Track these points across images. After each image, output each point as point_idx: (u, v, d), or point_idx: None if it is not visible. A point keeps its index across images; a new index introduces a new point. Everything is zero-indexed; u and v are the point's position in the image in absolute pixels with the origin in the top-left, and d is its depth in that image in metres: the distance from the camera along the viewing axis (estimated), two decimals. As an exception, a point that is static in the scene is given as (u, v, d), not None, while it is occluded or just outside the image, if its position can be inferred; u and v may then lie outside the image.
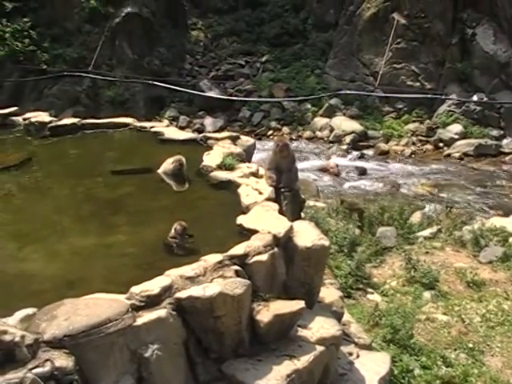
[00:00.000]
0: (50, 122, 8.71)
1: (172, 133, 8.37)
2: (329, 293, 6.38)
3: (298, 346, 4.97)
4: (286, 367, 4.69)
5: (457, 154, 19.24)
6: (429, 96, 20.74)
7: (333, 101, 21.78)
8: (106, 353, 4.03)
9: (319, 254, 5.49)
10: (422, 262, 9.82)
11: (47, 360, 3.79)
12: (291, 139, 20.05)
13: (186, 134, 8.64)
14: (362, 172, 18.06)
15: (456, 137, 19.77)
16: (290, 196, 6.64)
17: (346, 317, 6.86)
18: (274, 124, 21.62)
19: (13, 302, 4.41)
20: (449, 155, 19.41)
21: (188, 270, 4.64)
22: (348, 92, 20.59)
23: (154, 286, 4.42)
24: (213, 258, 4.79)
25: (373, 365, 6.05)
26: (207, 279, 4.60)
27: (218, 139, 7.85)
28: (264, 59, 25.02)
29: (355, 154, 19.58)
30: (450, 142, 19.79)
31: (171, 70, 23.76)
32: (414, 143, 20.33)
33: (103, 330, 3.97)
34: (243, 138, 8.17)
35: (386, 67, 21.91)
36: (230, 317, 4.61)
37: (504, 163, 18.77)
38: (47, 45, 21.45)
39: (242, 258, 4.89)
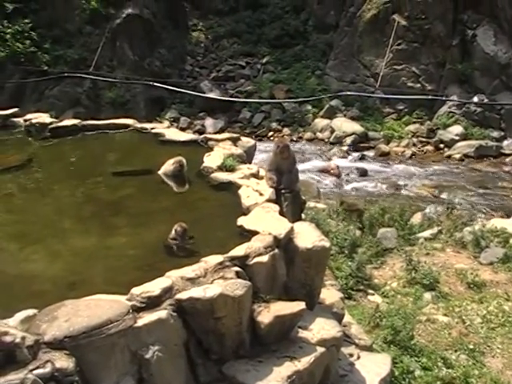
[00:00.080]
0: (51, 123, 8.71)
1: (173, 134, 8.36)
2: (329, 294, 6.37)
3: (298, 347, 4.97)
4: (287, 368, 4.69)
5: (457, 156, 19.24)
6: (429, 97, 20.74)
7: (333, 102, 21.80)
8: (107, 354, 4.03)
9: (320, 256, 5.49)
10: (423, 263, 9.82)
11: (48, 361, 3.79)
12: (292, 140, 20.06)
13: (187, 136, 8.63)
14: (363, 173, 18.06)
15: (456, 138, 19.77)
16: (290, 197, 6.63)
17: (347, 318, 6.86)
18: (274, 125, 21.64)
19: (13, 303, 4.41)
20: (449, 156, 19.41)
21: (189, 271, 4.64)
22: (349, 93, 20.57)
23: (154, 287, 4.42)
24: (213, 260, 4.79)
25: (373, 366, 6.05)
26: (208, 280, 4.60)
27: (218, 140, 7.84)
28: (264, 60, 25.05)
29: (356, 155, 19.59)
30: (450, 144, 19.79)
31: (172, 72, 23.78)
32: (414, 144, 20.33)
33: (104, 331, 3.97)
34: (244, 139, 8.16)
35: (387, 68, 21.92)
36: (231, 318, 4.61)
37: (504, 164, 18.77)
38: (48, 46, 21.46)
39: (242, 259, 4.89)
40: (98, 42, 21.75)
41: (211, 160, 7.00)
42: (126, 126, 8.71)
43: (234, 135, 8.27)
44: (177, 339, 4.46)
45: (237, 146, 7.65)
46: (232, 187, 6.43)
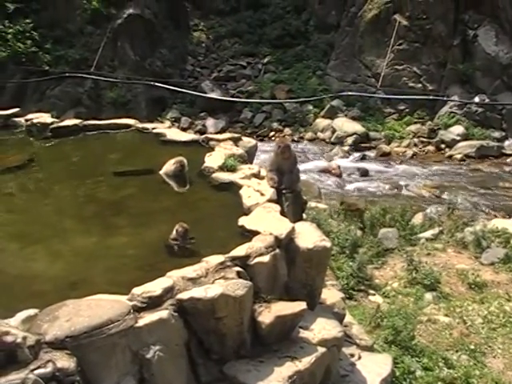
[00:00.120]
0: (52, 123, 8.71)
1: (174, 134, 8.37)
2: (330, 294, 6.37)
3: (299, 347, 4.96)
4: (288, 368, 4.69)
5: (458, 156, 19.22)
6: (430, 97, 20.73)
7: (334, 102, 21.79)
8: (108, 354, 4.03)
9: (321, 256, 5.49)
10: (424, 263, 9.82)
11: (49, 361, 3.79)
12: (293, 140, 20.04)
13: (188, 136, 8.62)
14: (364, 173, 18.06)
15: (458, 138, 19.76)
16: (291, 197, 6.64)
17: (348, 318, 6.86)
18: (275, 125, 21.64)
19: (14, 303, 4.41)
20: (450, 157, 19.40)
21: (190, 271, 4.64)
22: (350, 93, 20.59)
23: (155, 287, 4.42)
24: (214, 260, 4.79)
25: (374, 366, 6.05)
26: (209, 280, 4.60)
27: (219, 140, 7.84)
28: (266, 60, 25.06)
29: (357, 155, 19.59)
30: (451, 144, 19.78)
31: (173, 72, 23.78)
32: (415, 144, 20.33)
33: (105, 331, 3.97)
34: (245, 139, 8.16)
35: (388, 68, 21.91)
36: (232, 318, 4.61)
37: (506, 165, 18.76)
38: (49, 46, 21.49)
39: (243, 259, 4.89)
40: (99, 42, 21.76)
41: (212, 160, 7.01)
42: (128, 126, 8.71)
43: (235, 135, 8.27)
44: (178, 339, 4.46)
45: (238, 146, 7.65)
46: (233, 187, 6.43)
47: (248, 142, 8.10)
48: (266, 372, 4.62)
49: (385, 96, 21.23)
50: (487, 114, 20.32)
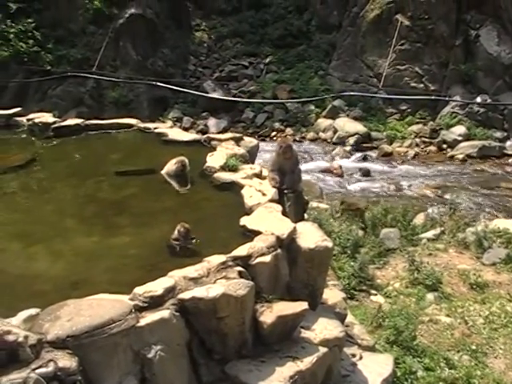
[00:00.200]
0: (54, 122, 8.74)
1: (176, 134, 8.38)
2: (332, 294, 6.37)
3: (301, 347, 4.97)
4: (289, 368, 4.69)
5: (460, 156, 19.20)
6: (432, 97, 20.68)
7: (336, 102, 21.78)
8: (110, 353, 4.04)
9: (322, 256, 5.49)
10: (426, 263, 9.82)
11: (50, 360, 3.80)
12: (294, 140, 20.04)
13: (190, 135, 8.64)
14: (366, 173, 18.04)
15: (459, 138, 19.74)
16: (293, 197, 6.64)
17: (349, 318, 6.86)
18: (277, 125, 21.63)
19: (16, 303, 4.42)
20: (452, 157, 19.38)
21: (191, 270, 4.64)
22: (351, 93, 20.55)
23: (157, 286, 4.42)
24: (216, 259, 4.79)
25: (376, 366, 6.05)
26: (210, 280, 4.61)
27: (221, 140, 7.85)
28: (267, 60, 25.05)
29: (359, 155, 19.57)
30: (453, 144, 19.76)
31: (175, 71, 23.79)
32: (417, 145, 20.30)
33: (106, 331, 3.97)
34: (247, 139, 8.17)
35: (390, 69, 21.89)
36: (234, 318, 4.61)
37: (507, 165, 18.74)
38: (51, 46, 21.49)
39: (245, 259, 4.89)
40: (101, 41, 21.76)
41: (214, 160, 7.01)
42: (129, 126, 8.73)
43: (237, 135, 8.28)
44: (179, 339, 4.46)
45: (240, 146, 7.66)
46: (235, 187, 6.44)
47: (250, 141, 8.11)
48: (267, 372, 4.63)
49: (387, 96, 21.20)
50: (489, 114, 20.30)
